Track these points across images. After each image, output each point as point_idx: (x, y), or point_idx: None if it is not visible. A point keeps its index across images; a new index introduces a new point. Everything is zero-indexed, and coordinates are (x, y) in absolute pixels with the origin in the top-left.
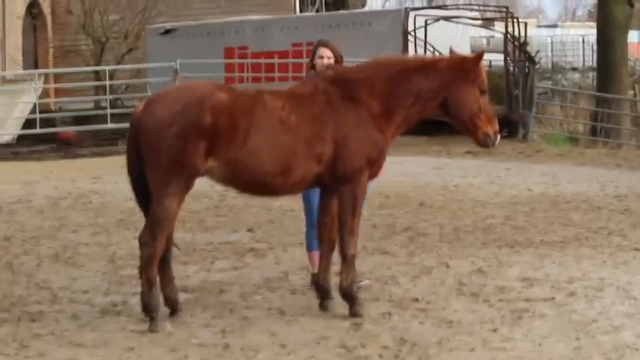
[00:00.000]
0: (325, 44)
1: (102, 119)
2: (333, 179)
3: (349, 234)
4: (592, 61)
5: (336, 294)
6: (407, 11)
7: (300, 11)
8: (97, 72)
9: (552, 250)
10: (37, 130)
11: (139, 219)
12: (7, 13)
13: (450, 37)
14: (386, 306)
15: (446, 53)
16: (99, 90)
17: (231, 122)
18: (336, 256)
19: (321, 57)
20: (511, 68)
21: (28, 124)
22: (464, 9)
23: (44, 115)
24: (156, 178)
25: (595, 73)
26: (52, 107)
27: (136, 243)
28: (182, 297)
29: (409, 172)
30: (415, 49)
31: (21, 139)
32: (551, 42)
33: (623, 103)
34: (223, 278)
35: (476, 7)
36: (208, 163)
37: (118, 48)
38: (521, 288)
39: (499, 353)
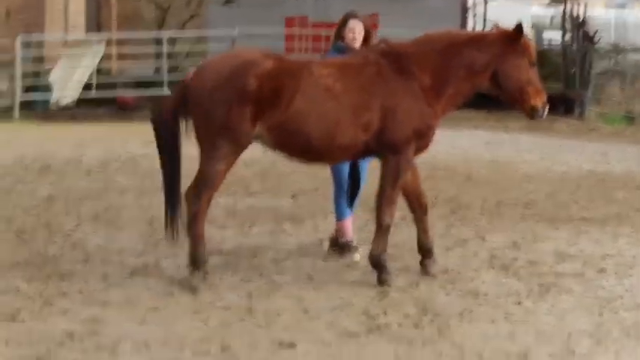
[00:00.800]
0: (356, 16)
1: (161, 85)
2: (380, 149)
3: (388, 203)
4: None
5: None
6: None
7: None
8: (158, 38)
9: (591, 226)
10: (96, 94)
11: (184, 184)
12: None
13: (511, 15)
14: (415, 276)
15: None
16: (159, 56)
17: (276, 88)
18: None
19: (352, 30)
20: (569, 47)
21: (89, 87)
22: None
23: (104, 80)
24: (205, 141)
25: None
26: (114, 72)
27: None
28: (214, 260)
29: (461, 145)
30: (474, 26)
31: (81, 102)
32: (614, 22)
33: None
34: (259, 243)
35: None
36: (257, 129)
37: (180, 15)
38: (553, 263)
39: (520, 326)
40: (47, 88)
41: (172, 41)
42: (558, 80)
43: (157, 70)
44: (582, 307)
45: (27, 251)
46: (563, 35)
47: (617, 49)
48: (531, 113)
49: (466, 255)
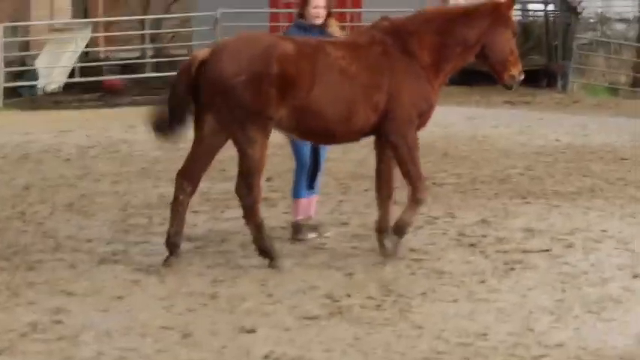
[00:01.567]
0: None
1: (149, 68)
2: (386, 129)
3: (418, 180)
4: None
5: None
6: None
7: None
8: (143, 21)
9: (563, 201)
10: (81, 79)
11: (163, 168)
12: None
13: None
14: (382, 257)
15: None
16: (145, 39)
17: (296, 71)
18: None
19: (316, 7)
20: (552, 19)
21: (79, 72)
22: None
23: (90, 64)
24: (235, 130)
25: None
26: (101, 56)
27: (154, 192)
28: (184, 246)
29: (441, 122)
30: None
31: (68, 88)
32: None
33: None
34: (229, 228)
35: None
36: (280, 110)
37: None
38: (521, 239)
39: (481, 304)
40: (33, 75)
41: (157, 24)
42: (542, 53)
43: (143, 54)
44: (545, 284)
45: None
46: (546, 6)
47: (602, 19)
48: (510, 82)
49: (435, 233)
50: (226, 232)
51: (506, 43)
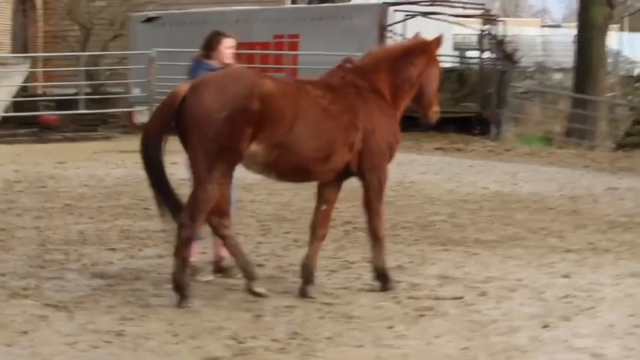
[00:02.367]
0: (230, 35)
1: (86, 105)
2: (360, 167)
3: (379, 218)
4: None
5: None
6: (384, 6)
7: (292, 2)
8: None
9: (483, 249)
10: (17, 114)
11: (87, 205)
12: None
13: (431, 33)
14: (293, 299)
15: None
16: (82, 76)
17: (278, 108)
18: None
19: (229, 47)
20: (488, 66)
21: (16, 107)
22: (443, 5)
23: (28, 99)
24: (201, 163)
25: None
26: (40, 91)
27: (74, 228)
28: (95, 283)
29: None
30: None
31: (3, 122)
32: (542, 42)
33: (600, 104)
34: (144, 266)
35: (457, 5)
36: (252, 147)
37: (104, 34)
38: (435, 286)
39: (386, 350)
40: None
41: (94, 62)
42: (476, 100)
43: (80, 90)
44: (453, 332)
45: None
46: (481, 54)
47: (541, 69)
48: (432, 118)
49: (349, 278)
50: (140, 270)
51: (436, 80)
